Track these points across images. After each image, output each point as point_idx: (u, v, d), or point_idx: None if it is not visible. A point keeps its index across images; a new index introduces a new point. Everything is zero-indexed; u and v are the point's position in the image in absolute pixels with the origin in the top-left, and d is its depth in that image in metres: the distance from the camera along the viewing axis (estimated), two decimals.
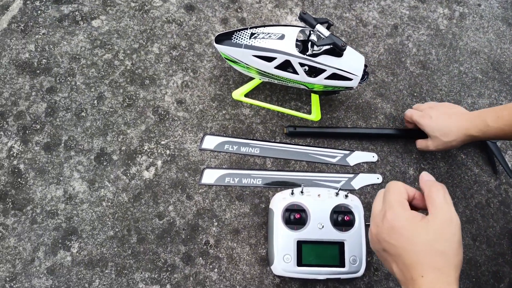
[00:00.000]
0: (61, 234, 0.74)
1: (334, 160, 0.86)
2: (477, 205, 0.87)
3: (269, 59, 0.76)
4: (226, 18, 0.96)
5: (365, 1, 1.03)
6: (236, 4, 0.98)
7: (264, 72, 0.79)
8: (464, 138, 0.73)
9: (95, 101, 0.84)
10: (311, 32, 0.75)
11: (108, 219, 0.76)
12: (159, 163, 0.81)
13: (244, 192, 0.81)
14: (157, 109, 0.85)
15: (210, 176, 0.81)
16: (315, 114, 0.88)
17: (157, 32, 0.92)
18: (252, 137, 0.86)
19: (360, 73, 0.76)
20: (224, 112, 0.87)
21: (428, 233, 0.42)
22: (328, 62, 0.74)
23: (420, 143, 0.83)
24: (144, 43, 0.91)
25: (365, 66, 0.77)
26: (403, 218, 0.44)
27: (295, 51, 0.74)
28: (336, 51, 0.73)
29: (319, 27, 0.71)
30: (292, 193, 0.76)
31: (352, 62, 0.76)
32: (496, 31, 1.04)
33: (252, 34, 0.77)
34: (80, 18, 0.91)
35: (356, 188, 0.84)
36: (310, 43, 0.75)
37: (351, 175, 0.85)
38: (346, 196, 0.77)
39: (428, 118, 0.78)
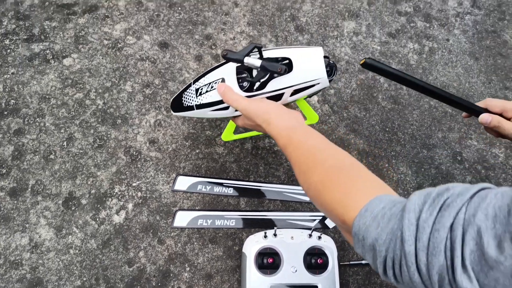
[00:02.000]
0: (25, 286, 0.72)
1: (308, 199, 0.86)
2: None
3: (225, 108, 0.69)
4: (200, 55, 0.97)
5: (337, 37, 1.05)
6: (211, 40, 0.99)
7: (230, 117, 0.74)
8: None
9: (65, 143, 0.83)
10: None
11: (75, 268, 0.74)
12: (130, 206, 0.80)
13: (217, 234, 0.80)
14: (128, 150, 0.84)
15: (182, 219, 0.80)
16: (311, 117, 0.76)
17: (130, 70, 0.92)
18: (226, 176, 0.86)
19: (323, 73, 0.65)
20: (197, 151, 0.87)
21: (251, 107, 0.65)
22: (281, 84, 0.65)
23: (508, 125, 0.65)
24: (116, 81, 0.90)
25: (326, 57, 0.66)
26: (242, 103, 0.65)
27: (241, 92, 0.66)
28: (275, 76, 0.64)
29: (248, 60, 0.63)
30: (265, 236, 0.75)
31: (307, 67, 0.65)
32: (464, 65, 1.07)
33: (197, 90, 0.71)
34: (51, 57, 0.90)
35: (330, 226, 0.84)
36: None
37: None
38: (319, 237, 0.76)
39: None
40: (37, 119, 0.84)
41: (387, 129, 0.96)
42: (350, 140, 0.94)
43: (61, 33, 0.92)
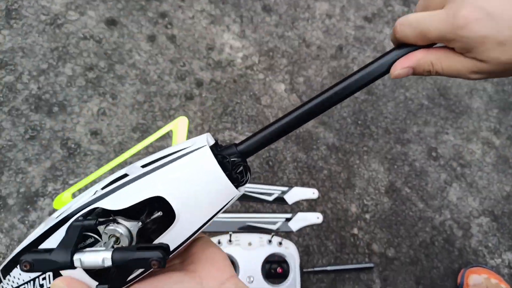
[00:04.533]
0: None
1: (270, 198, 0.78)
2: (421, 243, 0.81)
3: None
4: (154, 34, 0.86)
5: (308, 19, 0.96)
6: (166, 19, 0.88)
7: None
8: None
9: None
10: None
11: None
12: None
13: None
14: (66, 142, 0.73)
15: None
16: None
17: (71, 50, 0.80)
18: None
19: (221, 204, 0.31)
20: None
21: None
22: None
23: (447, 61, 0.29)
24: (54, 63, 0.79)
25: (216, 145, 0.32)
26: None
27: None
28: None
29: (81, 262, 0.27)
30: (219, 242, 0.67)
31: (190, 212, 0.30)
32: None
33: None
34: None
35: (294, 230, 0.76)
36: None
37: (289, 215, 0.77)
38: (280, 243, 0.68)
39: (474, 10, 0.27)
40: None
41: (359, 122, 0.89)
42: (319, 133, 0.85)
43: None
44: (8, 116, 0.73)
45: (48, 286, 0.32)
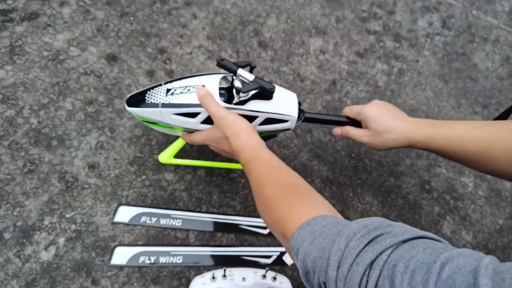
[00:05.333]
0: None
1: (265, 231, 0.79)
2: None
3: (193, 115, 0.65)
4: (153, 70, 0.88)
5: (303, 55, 0.99)
6: (165, 55, 0.91)
7: (190, 129, 0.69)
8: (405, 141, 0.65)
9: None
10: (234, 78, 0.64)
11: None
12: (61, 241, 0.70)
13: (161, 273, 0.71)
14: (63, 176, 0.75)
15: (121, 256, 0.71)
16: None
17: (72, 85, 0.83)
18: (175, 206, 0.77)
19: (295, 113, 0.68)
20: (143, 177, 0.78)
21: (216, 131, 0.64)
22: (258, 107, 0.65)
23: (353, 130, 0.71)
24: (55, 97, 0.81)
25: (299, 103, 0.69)
26: (207, 136, 0.67)
27: (220, 102, 0.64)
28: (265, 93, 0.63)
29: (241, 71, 0.62)
30: (213, 277, 0.67)
31: (284, 102, 0.68)
32: (434, 88, 1.03)
33: (168, 90, 0.66)
34: None
35: (289, 263, 0.77)
36: (235, 90, 0.65)
37: (284, 249, 0.78)
38: (274, 278, 0.69)
39: (372, 109, 0.68)
40: None
41: (353, 155, 0.90)
42: (314, 166, 0.87)
43: None
44: (7, 150, 0.74)
45: (191, 90, 0.65)
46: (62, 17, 0.89)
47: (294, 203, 0.47)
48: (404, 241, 0.34)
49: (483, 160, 0.58)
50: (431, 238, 0.35)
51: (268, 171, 0.55)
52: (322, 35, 1.03)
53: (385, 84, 1.00)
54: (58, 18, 0.89)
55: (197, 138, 0.68)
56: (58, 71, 0.83)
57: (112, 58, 0.87)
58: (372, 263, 0.33)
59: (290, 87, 0.94)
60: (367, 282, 0.33)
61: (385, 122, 0.66)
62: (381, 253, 0.33)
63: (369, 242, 0.35)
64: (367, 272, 0.33)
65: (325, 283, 0.37)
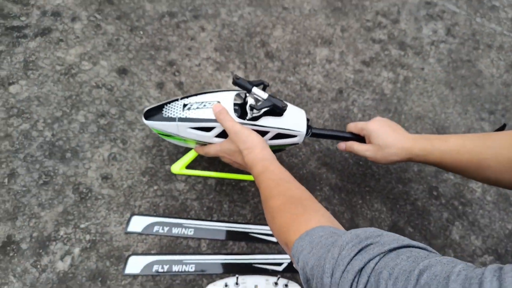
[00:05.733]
0: None
1: (275, 239, 0.80)
2: None
3: (208, 129, 0.69)
4: (162, 82, 0.90)
5: (309, 65, 1.00)
6: (174, 67, 0.93)
7: (204, 142, 0.72)
8: (405, 155, 0.70)
9: (6, 179, 0.74)
10: (247, 95, 0.70)
11: None
12: (76, 251, 0.71)
13: (174, 281, 0.72)
14: (77, 187, 0.76)
15: (135, 265, 0.72)
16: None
17: (84, 98, 0.85)
18: (187, 215, 0.78)
19: (304, 129, 0.72)
20: (155, 188, 0.79)
21: (231, 144, 0.68)
22: (270, 123, 0.70)
23: (357, 145, 0.75)
24: (68, 110, 0.83)
25: (307, 120, 0.74)
26: (221, 149, 0.71)
27: (235, 118, 0.68)
28: (276, 111, 0.68)
29: (255, 90, 0.66)
30: (226, 286, 0.68)
31: (294, 119, 0.72)
32: (440, 95, 1.04)
33: (184, 105, 0.70)
34: None
35: None
36: (249, 106, 0.69)
37: None
38: (286, 285, 0.70)
39: (375, 125, 0.73)
40: None
41: (360, 162, 0.91)
42: (322, 174, 0.88)
43: (8, 57, 0.85)
44: (23, 162, 0.76)
45: (207, 106, 0.69)
46: (74, 32, 0.91)
47: (296, 215, 0.51)
48: (391, 250, 0.37)
49: (477, 170, 0.62)
50: (417, 247, 0.37)
51: (275, 184, 0.58)
52: (327, 44, 1.04)
53: (391, 92, 1.02)
54: (70, 33, 0.91)
55: (211, 151, 0.71)
56: (70, 85, 0.85)
57: (122, 71, 0.89)
58: (361, 270, 0.36)
59: (297, 96, 0.96)
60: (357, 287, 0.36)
61: (386, 137, 0.70)
62: (369, 261, 0.36)
63: (359, 251, 0.38)
64: (356, 279, 0.36)
65: None
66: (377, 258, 0.36)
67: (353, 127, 0.77)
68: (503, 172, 0.58)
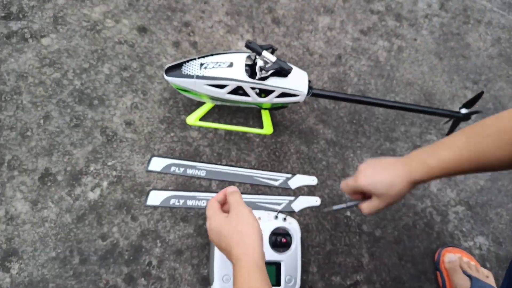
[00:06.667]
0: (0, 255, 0.74)
1: (276, 183, 0.91)
2: (404, 226, 0.94)
3: (222, 86, 0.80)
4: (178, 41, 0.99)
5: (312, 31, 1.10)
6: (189, 28, 1.02)
7: (217, 97, 0.83)
8: (409, 185, 0.63)
9: (41, 121, 0.85)
10: (257, 57, 0.79)
11: (50, 240, 0.77)
12: (104, 184, 0.83)
13: (189, 213, 0.84)
14: (105, 130, 0.87)
15: (155, 198, 0.84)
16: (268, 128, 0.95)
17: (108, 52, 0.94)
18: (199, 159, 0.89)
19: (305, 89, 0.82)
20: (172, 134, 0.90)
21: (231, 222, 0.60)
22: (276, 83, 0.80)
23: (367, 207, 0.67)
24: (94, 63, 0.92)
25: (309, 81, 0.83)
26: (217, 220, 0.61)
27: (246, 77, 0.79)
28: (282, 72, 0.78)
29: (265, 53, 0.75)
30: None
31: (297, 80, 0.82)
32: (429, 65, 1.14)
33: (201, 64, 0.80)
34: (29, 36, 0.91)
35: (296, 210, 0.90)
36: (258, 67, 0.79)
37: (292, 198, 0.90)
38: (285, 219, 0.82)
39: (365, 177, 0.65)
40: (14, 96, 0.85)
41: (354, 121, 1.02)
42: (319, 130, 0.99)
43: (39, 12, 0.93)
44: (56, 106, 0.86)
45: (221, 66, 0.79)
46: None
47: None
48: None
49: (480, 170, 0.60)
50: None
51: None
52: (329, 13, 1.13)
53: (385, 59, 1.11)
54: None
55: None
56: (96, 40, 0.94)
57: (142, 30, 0.98)
58: None
59: (299, 60, 1.05)
60: None
61: (382, 182, 0.64)
62: None
63: None
64: None
65: None
66: None
67: (346, 188, 0.70)
68: (503, 162, 0.56)
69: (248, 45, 0.76)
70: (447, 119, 0.91)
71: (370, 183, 0.65)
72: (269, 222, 0.80)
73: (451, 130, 0.93)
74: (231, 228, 0.59)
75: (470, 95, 1.11)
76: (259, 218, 0.80)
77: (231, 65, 0.80)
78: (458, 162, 0.59)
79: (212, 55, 0.82)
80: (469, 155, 0.58)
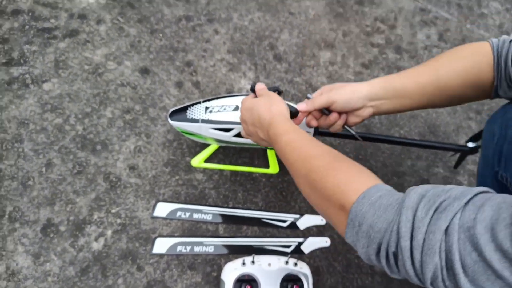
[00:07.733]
0: None
1: (285, 225, 0.89)
2: None
3: (228, 130, 0.79)
4: (181, 81, 0.99)
5: (313, 66, 1.09)
6: (191, 67, 1.01)
7: (223, 140, 0.82)
8: (368, 98, 0.67)
9: (43, 169, 0.83)
10: None
11: None
12: (109, 233, 0.80)
13: (196, 260, 0.82)
14: (108, 176, 0.85)
15: (161, 245, 0.81)
16: (274, 167, 0.93)
17: (111, 95, 0.93)
18: (205, 202, 0.87)
19: (312, 130, 0.81)
20: (177, 177, 0.88)
21: (262, 99, 0.67)
22: None
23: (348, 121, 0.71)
24: (96, 107, 0.91)
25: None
26: (249, 100, 0.69)
27: None
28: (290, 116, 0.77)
29: None
30: (243, 263, 0.77)
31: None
32: None
33: (206, 108, 0.79)
34: (30, 81, 0.90)
35: (306, 252, 0.87)
36: None
37: (301, 239, 0.88)
38: (296, 264, 0.79)
39: (335, 93, 0.68)
40: (15, 144, 0.83)
41: (360, 156, 1.01)
42: None
43: (41, 57, 0.93)
44: (58, 153, 0.85)
45: (226, 109, 0.78)
46: (99, 34, 0.99)
47: (347, 174, 0.49)
48: (466, 202, 0.37)
49: (438, 89, 0.65)
50: (487, 192, 0.38)
51: (313, 144, 0.56)
52: (330, 48, 1.13)
53: None
54: (96, 35, 0.99)
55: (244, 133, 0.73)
56: (98, 83, 0.93)
57: (145, 71, 0.97)
58: (446, 229, 0.36)
59: (303, 96, 1.05)
60: (448, 247, 0.35)
61: (349, 98, 0.67)
62: (452, 218, 0.36)
63: (436, 210, 0.37)
64: (443, 238, 0.35)
65: (394, 254, 0.40)
66: (458, 214, 0.36)
67: (319, 103, 0.70)
68: (461, 86, 0.63)
69: (253, 88, 0.75)
70: (453, 152, 0.90)
71: (340, 99, 0.67)
72: (279, 268, 0.78)
73: (458, 163, 0.92)
74: (262, 103, 0.66)
75: (474, 126, 1.11)
76: (269, 264, 0.78)
77: (236, 108, 0.79)
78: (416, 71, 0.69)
79: (217, 98, 0.81)
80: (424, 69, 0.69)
